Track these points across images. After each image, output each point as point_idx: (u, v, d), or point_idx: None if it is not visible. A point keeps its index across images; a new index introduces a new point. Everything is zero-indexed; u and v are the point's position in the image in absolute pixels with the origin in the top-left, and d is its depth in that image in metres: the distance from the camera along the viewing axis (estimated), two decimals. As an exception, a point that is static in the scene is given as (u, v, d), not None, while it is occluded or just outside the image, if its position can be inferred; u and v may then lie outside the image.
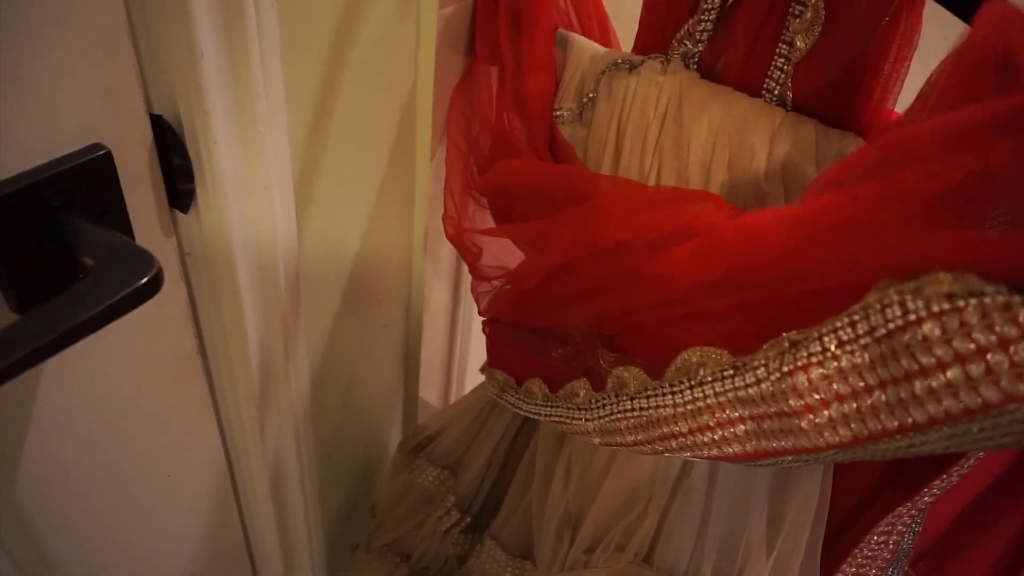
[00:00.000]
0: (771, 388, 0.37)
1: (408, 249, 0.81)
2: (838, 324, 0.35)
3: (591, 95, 0.61)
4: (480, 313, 0.71)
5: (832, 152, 0.51)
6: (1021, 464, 0.49)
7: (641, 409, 0.47)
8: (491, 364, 0.70)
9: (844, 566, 0.57)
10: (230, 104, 0.47)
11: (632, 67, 0.59)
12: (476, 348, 1.05)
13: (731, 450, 0.41)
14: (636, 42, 0.62)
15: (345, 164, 0.65)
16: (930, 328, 0.30)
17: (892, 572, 0.58)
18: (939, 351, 0.30)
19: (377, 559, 0.86)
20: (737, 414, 0.40)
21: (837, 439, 0.35)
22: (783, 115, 0.53)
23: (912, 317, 0.31)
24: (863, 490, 0.55)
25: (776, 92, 0.54)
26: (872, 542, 0.55)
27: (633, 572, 0.55)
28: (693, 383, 0.43)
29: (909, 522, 0.54)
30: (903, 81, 0.50)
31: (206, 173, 0.47)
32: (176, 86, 0.44)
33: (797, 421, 0.36)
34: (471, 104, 0.70)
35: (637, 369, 0.48)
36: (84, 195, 0.40)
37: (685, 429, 0.44)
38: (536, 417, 0.60)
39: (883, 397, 0.32)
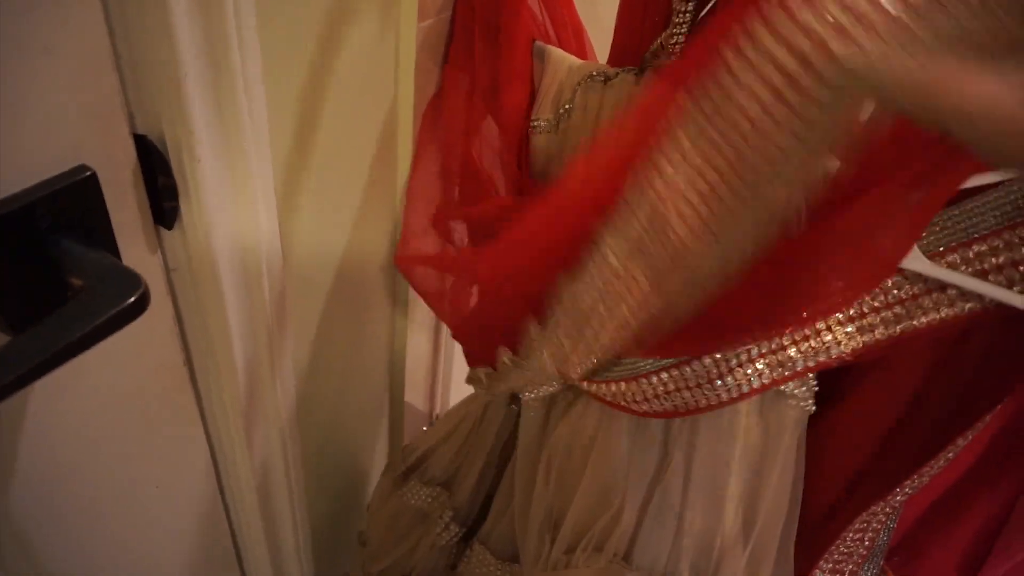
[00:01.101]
0: (647, 212, 0.42)
1: (391, 258, 0.82)
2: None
3: (567, 106, 0.62)
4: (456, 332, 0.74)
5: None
6: (986, 460, 0.51)
7: (568, 311, 0.52)
8: (471, 364, 0.72)
9: (821, 562, 0.58)
10: (213, 123, 0.48)
11: (607, 79, 0.60)
12: (460, 352, 1.06)
13: (649, 302, 0.46)
14: (611, 54, 0.64)
15: (328, 176, 0.66)
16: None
17: (868, 568, 0.60)
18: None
19: (374, 585, 0.87)
20: (638, 269, 0.45)
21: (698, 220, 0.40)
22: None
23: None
24: (838, 488, 0.57)
25: None
26: (848, 539, 0.57)
27: (614, 572, 0.56)
28: (595, 251, 0.47)
29: (884, 519, 0.56)
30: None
31: (190, 190, 0.48)
32: (160, 107, 0.45)
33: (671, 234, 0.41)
34: (447, 113, 0.71)
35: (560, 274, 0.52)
36: (71, 216, 0.41)
37: (603, 310, 0.48)
38: (523, 394, 0.63)
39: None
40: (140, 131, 0.46)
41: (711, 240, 0.40)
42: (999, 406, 0.45)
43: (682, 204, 0.40)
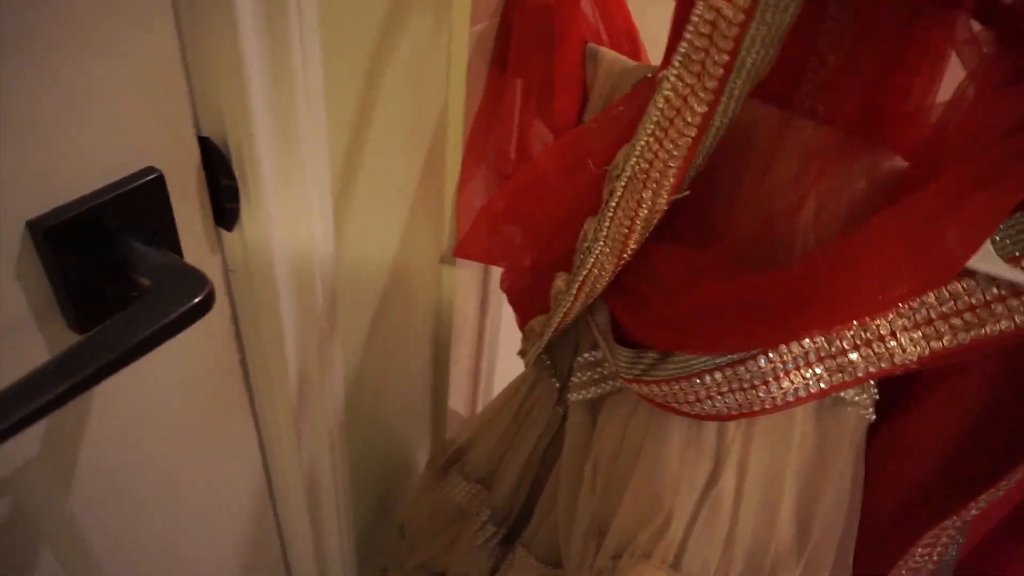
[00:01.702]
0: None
1: (437, 264, 0.82)
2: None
3: (620, 109, 0.62)
4: (508, 288, 0.75)
5: (862, 165, 0.51)
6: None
7: (623, 186, 0.53)
8: (522, 325, 0.72)
9: (886, 577, 0.56)
10: (274, 126, 0.48)
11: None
12: (503, 357, 1.06)
13: (689, 134, 0.49)
14: (665, 55, 0.63)
15: (380, 179, 0.67)
16: None
17: (931, 582, 0.57)
18: None
19: (409, 579, 0.87)
20: (678, 101, 0.48)
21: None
22: (808, 127, 0.53)
23: None
24: (902, 500, 0.55)
25: (806, 104, 0.54)
26: (916, 554, 0.55)
27: (665, 580, 0.55)
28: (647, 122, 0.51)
29: (953, 533, 0.54)
30: (935, 97, 0.50)
31: (251, 192, 0.49)
32: (224, 109, 0.46)
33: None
34: (496, 117, 0.71)
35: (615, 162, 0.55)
36: (138, 217, 0.42)
37: (651, 155, 0.50)
38: (570, 395, 0.64)
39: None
40: (204, 133, 0.46)
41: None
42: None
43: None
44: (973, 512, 0.49)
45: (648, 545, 0.59)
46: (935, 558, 0.52)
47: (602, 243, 0.56)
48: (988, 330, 0.46)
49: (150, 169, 0.42)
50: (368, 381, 0.81)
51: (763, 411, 0.52)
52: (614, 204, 0.54)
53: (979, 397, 0.50)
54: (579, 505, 0.66)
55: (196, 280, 0.39)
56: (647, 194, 0.52)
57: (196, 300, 0.38)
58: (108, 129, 0.39)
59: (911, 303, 0.47)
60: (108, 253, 0.40)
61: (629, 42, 0.69)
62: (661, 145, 0.50)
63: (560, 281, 0.63)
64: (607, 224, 0.55)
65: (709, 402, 0.53)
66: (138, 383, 0.49)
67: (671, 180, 0.51)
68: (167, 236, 0.45)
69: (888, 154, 0.52)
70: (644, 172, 0.51)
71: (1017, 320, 0.45)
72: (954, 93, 0.47)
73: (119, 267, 0.41)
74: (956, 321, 0.47)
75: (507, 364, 1.05)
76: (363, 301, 0.73)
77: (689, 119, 0.48)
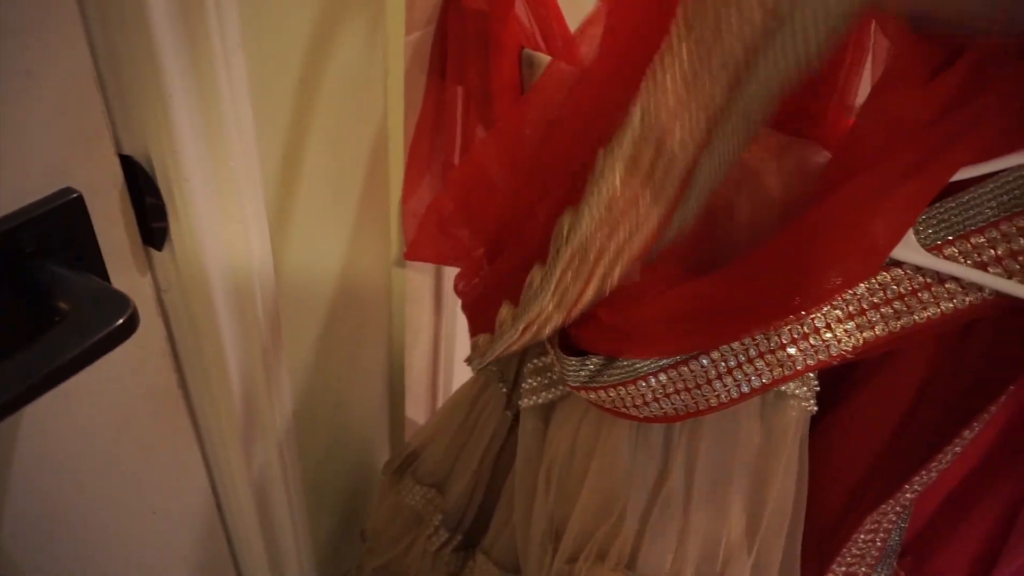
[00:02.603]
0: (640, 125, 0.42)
1: (387, 271, 0.82)
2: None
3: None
4: (462, 291, 0.74)
5: (794, 161, 0.52)
6: (994, 456, 0.50)
7: (573, 248, 0.48)
8: (472, 333, 0.71)
9: (834, 566, 0.57)
10: (200, 142, 0.47)
11: (597, 84, 0.60)
12: (460, 365, 1.06)
13: (653, 220, 0.46)
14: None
15: (320, 192, 0.66)
16: None
17: (880, 569, 0.59)
18: None
19: (370, 583, 0.86)
20: (636, 184, 0.44)
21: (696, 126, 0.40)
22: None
23: None
24: (846, 489, 0.56)
25: None
26: (859, 541, 0.56)
27: (619, 581, 0.56)
28: (599, 177, 0.45)
29: (895, 519, 0.55)
30: (857, 89, 0.52)
31: (179, 210, 0.48)
32: (146, 128, 0.45)
33: (667, 144, 0.41)
34: (438, 125, 0.71)
35: (570, 208, 0.50)
36: (57, 239, 0.41)
37: (607, 233, 0.46)
38: (522, 402, 0.63)
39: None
40: (126, 151, 0.45)
41: (706, 143, 0.41)
42: (1003, 399, 0.45)
43: (679, 109, 0.40)
44: (909, 495, 0.50)
45: (603, 547, 0.59)
46: (879, 543, 0.54)
47: (549, 297, 0.52)
48: (917, 318, 0.47)
49: (67, 190, 0.41)
50: (322, 393, 0.80)
51: (709, 409, 0.52)
52: (558, 272, 0.50)
53: (913, 383, 0.51)
54: (535, 510, 0.66)
55: (117, 302, 0.38)
56: (599, 270, 0.48)
57: (118, 322, 0.37)
58: (19, 150, 0.38)
59: (843, 295, 0.48)
60: (24, 278, 0.39)
61: (565, 47, 0.69)
62: (613, 229, 0.47)
63: (505, 311, 0.59)
64: (552, 286, 0.51)
65: (656, 404, 0.53)
66: (70, 408, 0.48)
67: (630, 256, 0.48)
68: (90, 259, 0.43)
69: (816, 148, 0.54)
70: (594, 252, 0.47)
71: (943, 307, 0.47)
72: (873, 87, 0.48)
73: (37, 292, 0.40)
74: (886, 310, 0.48)
75: (464, 368, 1.04)
76: (310, 314, 0.72)
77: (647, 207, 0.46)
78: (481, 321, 0.70)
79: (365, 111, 0.68)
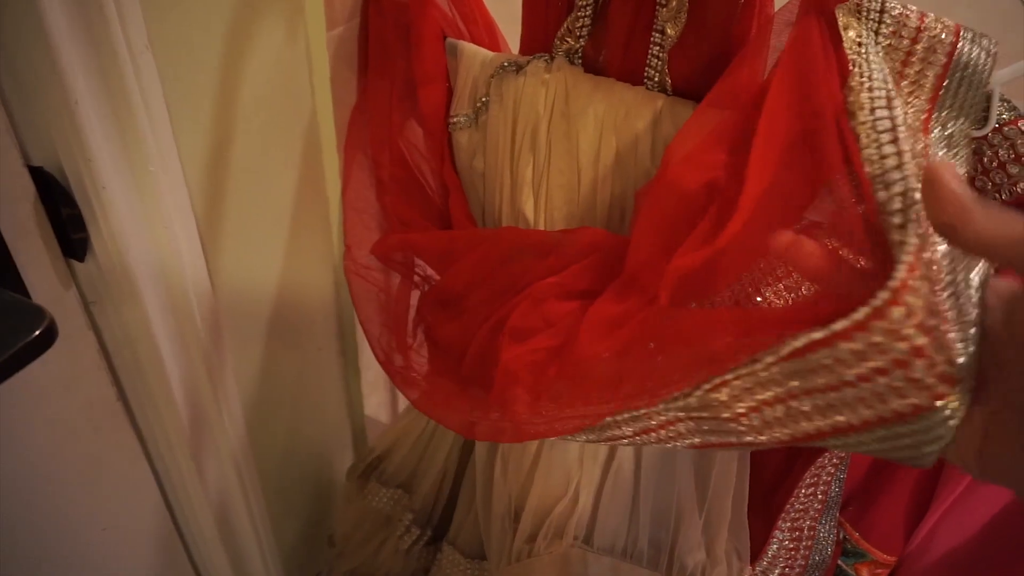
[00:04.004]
0: (698, 403, 0.38)
1: (332, 270, 0.81)
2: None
3: (484, 99, 0.62)
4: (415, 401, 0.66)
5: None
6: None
7: (583, 416, 0.46)
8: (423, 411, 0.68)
9: (779, 521, 0.59)
10: (115, 148, 0.47)
11: (519, 68, 0.60)
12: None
13: (680, 444, 0.42)
14: (521, 43, 0.64)
15: (252, 193, 0.65)
16: (840, 348, 0.30)
17: (825, 520, 0.61)
18: (854, 365, 0.30)
19: (341, 589, 0.86)
20: (675, 415, 0.40)
21: (777, 437, 0.35)
22: (663, 100, 0.55)
23: (818, 336, 0.30)
24: (788, 447, 0.58)
25: (656, 79, 0.56)
26: (801, 495, 0.58)
27: (576, 556, 0.56)
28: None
29: (832, 471, 0.57)
30: (767, 56, 0.53)
31: (98, 220, 0.47)
32: (53, 137, 0.44)
33: (734, 425, 0.36)
34: (369, 121, 0.71)
35: None
36: (-34, 256, 0.40)
37: (630, 432, 0.44)
38: None
39: (806, 406, 0.32)
40: (36, 163, 0.44)
41: (776, 438, 0.36)
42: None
43: (751, 415, 0.36)
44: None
45: (560, 523, 0.60)
46: (820, 496, 0.55)
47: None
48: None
49: (-27, 205, 0.40)
50: (274, 400, 0.79)
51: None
52: None
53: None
54: (494, 494, 0.67)
55: (31, 315, 0.37)
56: (609, 432, 0.45)
57: (32, 336, 0.36)
58: (-85, 167, 0.37)
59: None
60: (-67, 298, 0.38)
61: (488, 33, 0.69)
62: (640, 431, 0.44)
63: None
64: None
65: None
66: (2, 425, 0.47)
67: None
68: (5, 274, 0.43)
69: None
70: (611, 432, 0.44)
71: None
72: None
73: (-52, 311, 0.39)
74: None
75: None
76: (253, 317, 0.71)
77: None
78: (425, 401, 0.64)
79: (292, 109, 0.67)
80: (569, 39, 0.59)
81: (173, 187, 0.52)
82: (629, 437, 0.44)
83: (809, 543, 0.59)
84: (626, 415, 0.42)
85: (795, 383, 0.32)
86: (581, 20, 0.58)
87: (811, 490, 0.55)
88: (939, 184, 0.27)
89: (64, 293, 0.49)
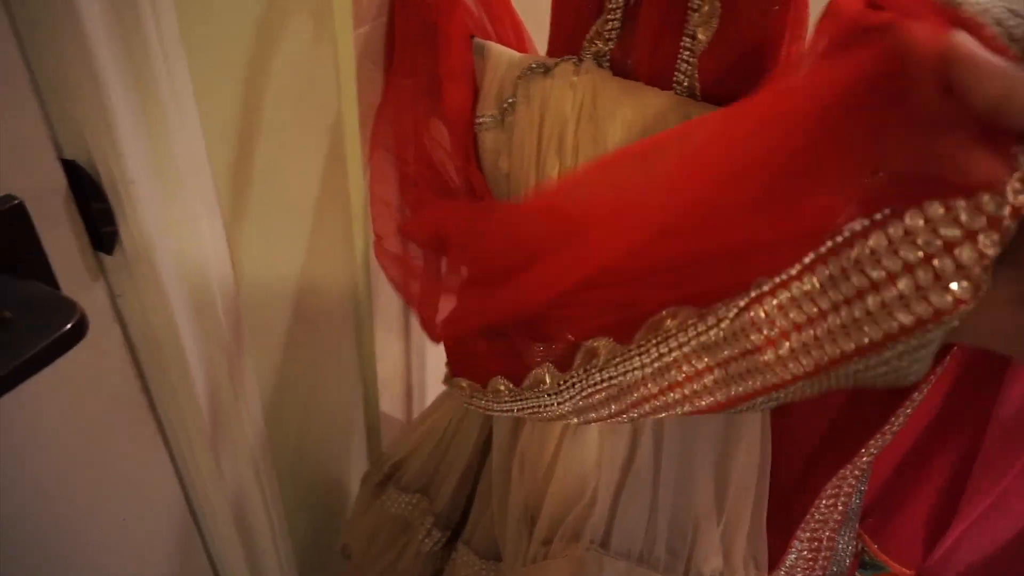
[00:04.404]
0: (731, 327, 0.37)
1: (351, 267, 0.81)
2: None
3: (510, 100, 0.62)
4: (438, 338, 0.70)
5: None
6: (942, 420, 0.51)
7: (611, 379, 0.46)
8: (453, 374, 0.70)
9: (799, 531, 0.59)
10: (145, 143, 0.47)
11: (547, 70, 0.60)
12: (432, 355, 1.06)
13: (703, 403, 0.41)
14: (549, 45, 0.64)
15: (277, 191, 0.65)
16: (876, 240, 0.30)
17: (844, 532, 0.60)
18: (887, 263, 0.29)
19: (361, 597, 0.86)
20: (704, 363, 0.40)
21: (801, 369, 0.35)
22: (693, 105, 0.55)
23: (857, 228, 0.30)
24: (806, 456, 0.58)
25: (685, 84, 0.56)
26: (821, 506, 0.57)
27: (592, 559, 0.56)
28: (659, 339, 0.42)
29: (854, 483, 0.57)
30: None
31: (127, 214, 0.47)
32: (86, 131, 0.44)
33: (760, 357, 0.36)
34: (394, 119, 0.71)
35: (606, 338, 0.47)
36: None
37: (656, 390, 0.43)
38: (508, 414, 0.60)
39: (838, 320, 0.32)
40: (68, 156, 0.45)
41: (804, 374, 0.35)
42: (947, 361, 0.46)
43: (781, 340, 0.35)
44: (865, 459, 0.51)
45: (576, 526, 0.60)
46: (840, 508, 0.55)
47: (565, 404, 0.50)
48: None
49: (8, 197, 0.40)
50: (290, 397, 0.79)
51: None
52: (582, 391, 0.48)
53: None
54: (511, 496, 0.67)
55: (63, 308, 0.37)
56: (637, 409, 0.45)
57: (65, 328, 0.37)
58: (-47, 159, 0.38)
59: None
60: (-33, 289, 0.39)
61: (515, 34, 0.69)
62: (664, 389, 0.42)
63: (502, 386, 0.57)
64: (570, 398, 0.49)
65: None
66: (25, 420, 0.47)
67: (679, 412, 0.43)
68: (36, 266, 0.43)
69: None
70: (635, 395, 0.44)
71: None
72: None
73: (-20, 303, 0.39)
74: None
75: (437, 361, 1.04)
76: (274, 315, 0.72)
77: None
78: (463, 366, 0.66)
79: (319, 106, 0.67)
80: (598, 42, 0.59)
81: (200, 183, 0.52)
82: (655, 397, 0.43)
83: (828, 554, 0.58)
84: (656, 363, 0.42)
85: (831, 295, 0.32)
86: (611, 23, 0.58)
87: (832, 501, 0.55)
88: (973, 58, 0.25)
89: (91, 285, 0.49)
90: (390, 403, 1.01)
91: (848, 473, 0.53)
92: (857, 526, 0.59)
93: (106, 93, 0.42)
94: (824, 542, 0.58)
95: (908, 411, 0.49)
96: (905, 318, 0.29)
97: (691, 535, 0.57)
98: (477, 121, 0.65)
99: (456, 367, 0.67)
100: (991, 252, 0.27)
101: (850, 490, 0.55)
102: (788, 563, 0.59)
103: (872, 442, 0.50)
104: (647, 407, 0.44)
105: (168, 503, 0.66)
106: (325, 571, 0.98)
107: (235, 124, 0.58)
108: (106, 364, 0.53)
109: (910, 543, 0.58)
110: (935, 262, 0.28)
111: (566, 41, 0.61)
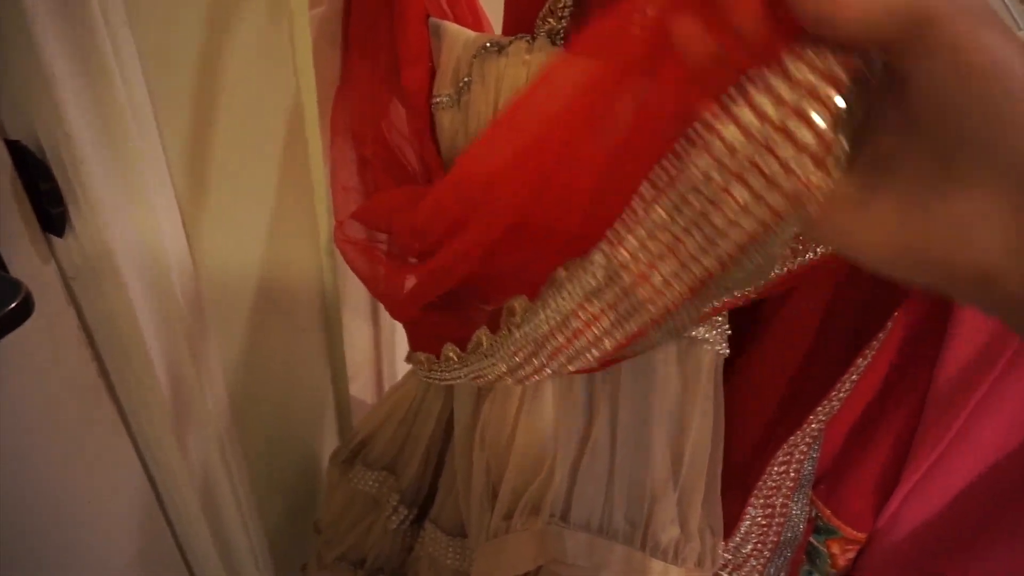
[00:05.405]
0: (605, 271, 0.39)
1: (316, 250, 0.81)
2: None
3: (466, 79, 0.62)
4: (403, 318, 0.71)
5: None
6: (888, 387, 0.53)
7: (527, 335, 0.47)
8: (413, 348, 0.71)
9: (752, 498, 0.60)
10: (93, 123, 0.47)
11: (501, 48, 0.60)
12: (403, 339, 1.06)
13: (608, 345, 0.42)
14: (504, 24, 0.64)
15: (235, 172, 0.65)
16: (699, 158, 0.30)
17: (797, 498, 0.62)
18: (716, 176, 0.30)
19: (330, 572, 0.86)
20: (597, 308, 0.41)
21: (677, 295, 0.36)
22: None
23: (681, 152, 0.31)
24: (760, 425, 0.59)
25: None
26: (774, 473, 0.59)
27: (551, 532, 0.57)
28: (555, 292, 0.43)
29: (805, 449, 0.58)
30: None
31: (77, 195, 0.47)
32: (31, 111, 0.44)
33: (639, 294, 0.37)
34: (352, 100, 0.71)
35: (522, 296, 0.48)
36: (-57, 229, 0.40)
37: (563, 340, 0.44)
38: (462, 381, 0.61)
39: (692, 243, 0.33)
40: (13, 136, 0.44)
41: (681, 298, 0.36)
42: (890, 326, 0.47)
43: (651, 272, 0.36)
44: (815, 425, 0.52)
45: (536, 501, 0.61)
46: (792, 474, 0.56)
47: (499, 364, 0.51)
48: (811, 255, 0.50)
49: (-51, 178, 0.40)
50: (258, 379, 0.79)
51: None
52: (508, 350, 0.49)
53: (812, 320, 0.53)
54: (473, 473, 0.68)
55: (6, 287, 0.37)
56: (557, 360, 0.46)
57: (7, 308, 0.37)
58: None
59: None
60: (-91, 269, 0.38)
61: (472, 14, 0.69)
62: (572, 337, 0.43)
63: (451, 352, 0.58)
64: (502, 358, 0.50)
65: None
66: (-21, 405, 0.47)
67: (596, 355, 0.44)
68: (-18, 247, 0.43)
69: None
70: (550, 348, 0.45)
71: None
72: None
73: (-76, 283, 0.39)
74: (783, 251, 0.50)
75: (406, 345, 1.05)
76: (237, 298, 0.72)
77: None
78: (421, 339, 0.68)
79: (275, 87, 0.67)
80: (551, 19, 0.60)
81: (153, 164, 0.52)
82: (566, 347, 0.44)
83: (781, 520, 0.60)
84: (556, 316, 0.43)
85: (680, 219, 0.33)
86: (563, 1, 0.59)
87: (783, 467, 0.56)
88: None
89: (42, 267, 0.49)
90: (361, 388, 1.02)
91: (799, 440, 0.54)
92: (811, 492, 0.61)
93: (50, 71, 0.42)
94: (778, 508, 0.60)
95: (854, 377, 0.51)
96: (749, 224, 0.30)
97: (648, 506, 0.58)
98: (434, 101, 0.65)
99: (415, 342, 0.68)
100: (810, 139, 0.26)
101: (802, 456, 0.56)
102: (743, 529, 0.60)
103: (820, 408, 0.51)
104: (562, 357, 0.46)
105: (132, 484, 0.66)
106: (297, 547, 0.99)
107: (189, 104, 0.57)
108: (61, 347, 0.53)
109: (861, 507, 0.60)
110: (763, 167, 0.28)
111: (520, 19, 0.62)
